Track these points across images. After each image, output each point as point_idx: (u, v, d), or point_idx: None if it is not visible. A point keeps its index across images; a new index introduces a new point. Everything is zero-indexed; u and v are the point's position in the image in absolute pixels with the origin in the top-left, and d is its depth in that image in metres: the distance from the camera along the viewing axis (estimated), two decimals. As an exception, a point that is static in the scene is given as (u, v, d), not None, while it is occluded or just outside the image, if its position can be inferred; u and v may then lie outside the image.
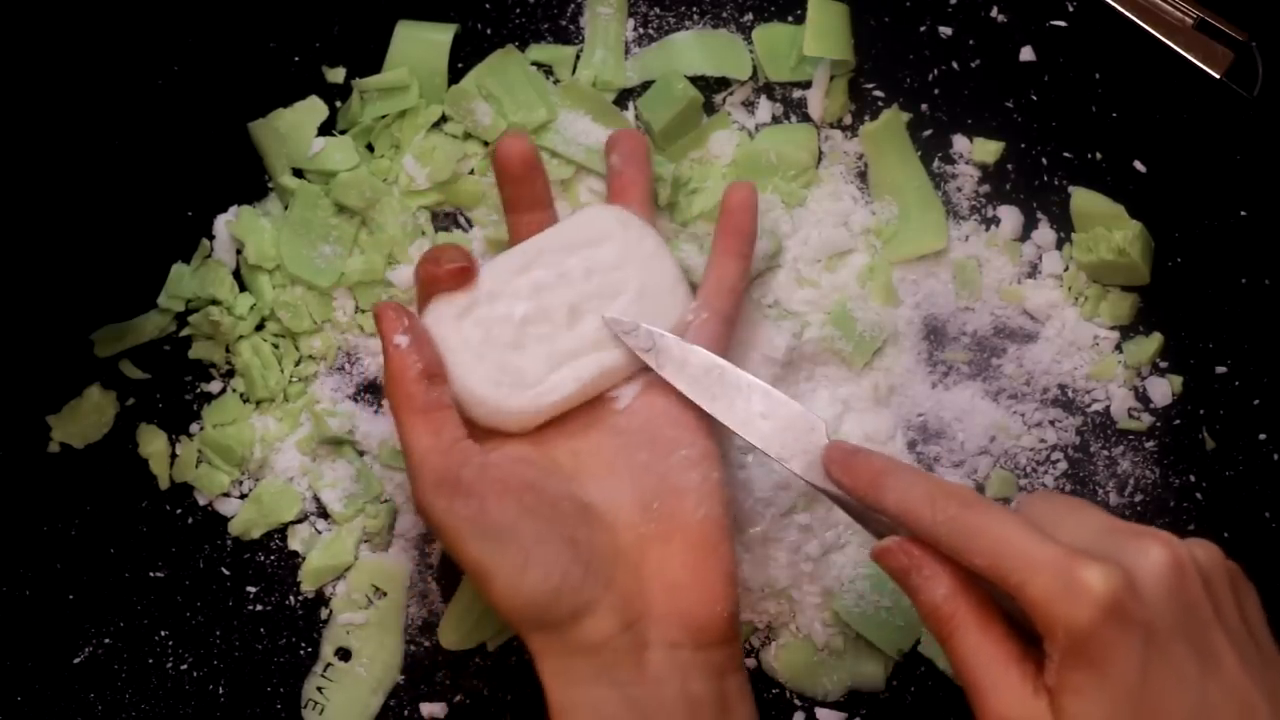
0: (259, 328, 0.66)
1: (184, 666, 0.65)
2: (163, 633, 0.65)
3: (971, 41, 0.67)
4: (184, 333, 0.65)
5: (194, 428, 0.66)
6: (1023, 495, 0.49)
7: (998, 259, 0.66)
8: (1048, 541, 0.43)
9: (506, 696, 0.65)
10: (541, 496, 0.53)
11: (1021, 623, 0.45)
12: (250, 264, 0.65)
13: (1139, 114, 0.66)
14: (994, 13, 0.67)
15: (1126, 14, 0.65)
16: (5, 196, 0.65)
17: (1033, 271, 0.66)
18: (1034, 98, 0.66)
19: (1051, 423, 0.65)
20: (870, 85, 0.67)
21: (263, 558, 0.65)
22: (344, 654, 0.65)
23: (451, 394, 0.55)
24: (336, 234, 0.65)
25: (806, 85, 0.66)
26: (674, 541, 0.55)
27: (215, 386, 0.66)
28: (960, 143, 0.66)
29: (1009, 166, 0.66)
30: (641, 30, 0.67)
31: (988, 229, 0.66)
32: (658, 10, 0.67)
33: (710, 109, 0.67)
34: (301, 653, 0.65)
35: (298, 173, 0.66)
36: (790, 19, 0.67)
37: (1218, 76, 0.64)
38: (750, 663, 0.64)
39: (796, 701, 0.64)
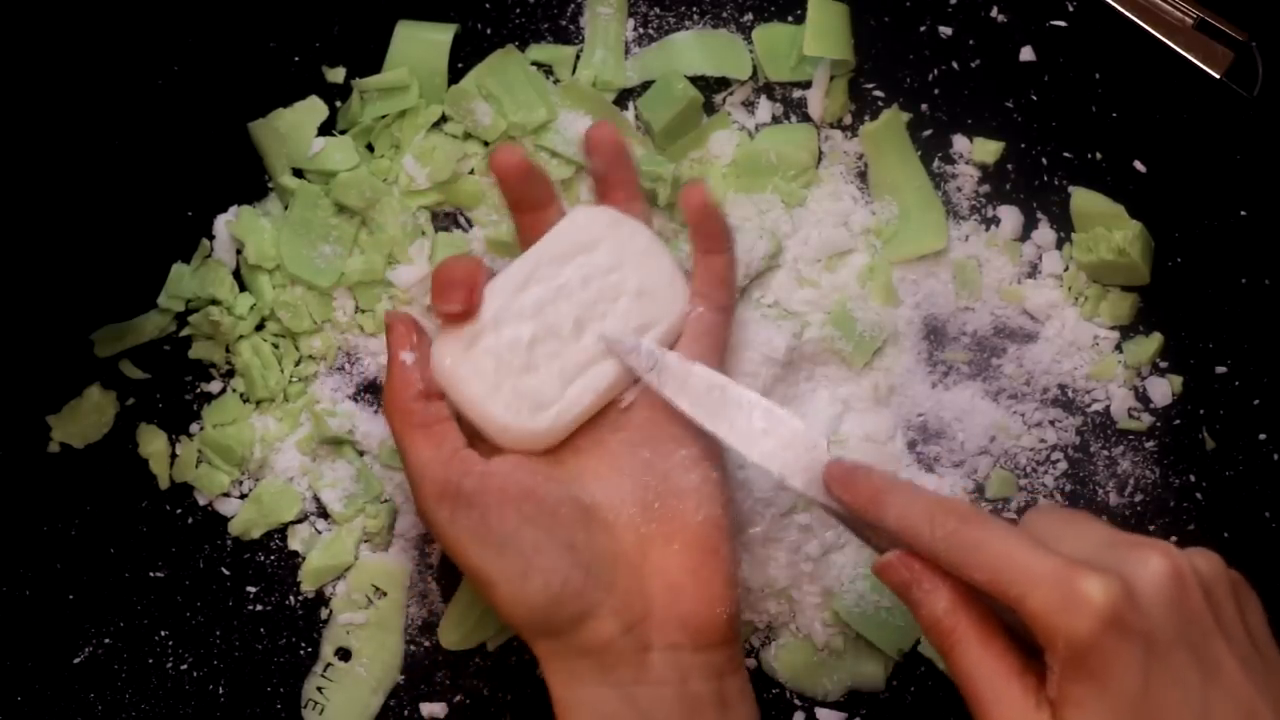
0: (259, 328, 0.66)
1: (184, 666, 0.65)
2: (163, 633, 0.65)
3: (971, 41, 0.67)
4: (184, 333, 0.65)
5: (194, 428, 0.66)
6: (1026, 512, 0.49)
7: (998, 259, 0.66)
8: (1047, 554, 0.43)
9: (506, 696, 0.65)
10: (541, 504, 0.54)
11: (1023, 636, 0.45)
12: (250, 264, 0.65)
13: (1139, 114, 0.66)
14: (994, 13, 0.67)
15: (1126, 14, 0.65)
16: (5, 196, 0.65)
17: (1033, 271, 0.66)
18: (1034, 98, 0.66)
19: (1051, 423, 0.65)
20: (870, 85, 0.67)
21: (263, 558, 0.65)
22: (344, 654, 0.65)
23: (473, 423, 0.55)
24: (336, 234, 0.65)
25: (806, 85, 0.66)
26: (675, 543, 0.55)
27: (215, 386, 0.66)
28: (960, 143, 0.66)
29: (1009, 166, 0.66)
30: (641, 30, 0.67)
31: (988, 229, 0.66)
32: (658, 10, 0.67)
33: (710, 109, 0.67)
34: (301, 653, 0.65)
35: (298, 173, 0.66)
36: (790, 19, 0.67)
37: (1218, 76, 0.64)
38: (750, 663, 0.64)
39: (796, 701, 0.64)
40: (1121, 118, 0.66)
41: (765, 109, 0.67)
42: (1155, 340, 0.65)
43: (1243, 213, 0.65)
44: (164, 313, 0.65)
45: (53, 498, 0.65)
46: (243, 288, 0.66)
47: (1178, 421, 0.65)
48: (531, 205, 0.58)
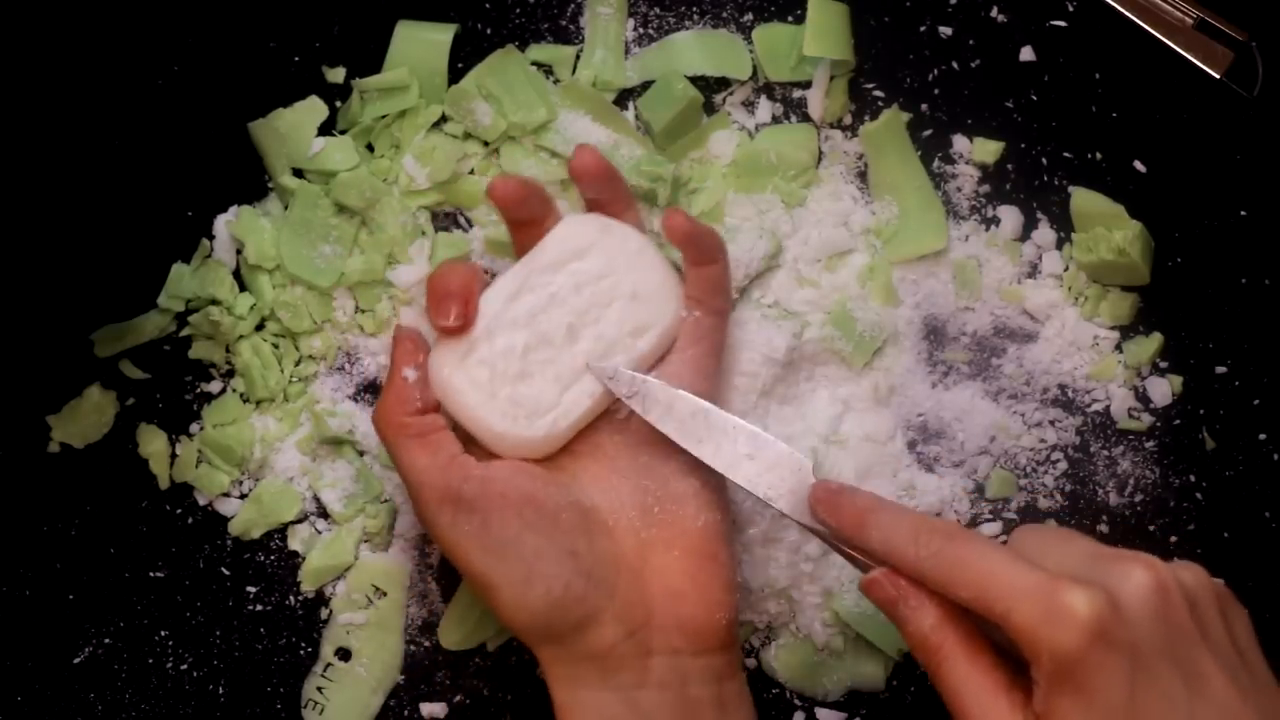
0: (259, 328, 0.66)
1: (184, 666, 0.65)
2: (163, 633, 0.65)
3: (971, 41, 0.67)
4: (184, 333, 0.65)
5: (194, 428, 0.66)
6: (1013, 531, 0.49)
7: (998, 259, 0.66)
8: (1031, 569, 0.44)
9: (506, 696, 0.65)
10: (542, 509, 0.54)
11: (1011, 653, 0.45)
12: (250, 264, 0.65)
13: (1139, 114, 0.66)
14: (994, 13, 0.66)
15: (1126, 14, 0.65)
16: (5, 196, 0.65)
17: (1033, 271, 0.66)
18: (1034, 98, 0.66)
19: (1051, 423, 0.65)
20: (870, 85, 0.67)
21: (263, 558, 0.65)
22: (344, 654, 0.65)
23: (470, 432, 0.55)
24: (336, 234, 0.65)
25: (806, 85, 0.66)
26: (675, 548, 0.55)
27: (215, 386, 0.66)
28: (960, 143, 0.66)
29: (1009, 166, 0.66)
30: (641, 30, 0.67)
31: (988, 229, 0.66)
32: (658, 10, 0.67)
33: (710, 109, 0.67)
34: (301, 653, 0.65)
35: (298, 173, 0.66)
36: (790, 19, 0.67)
37: (1218, 76, 0.64)
38: (750, 663, 0.64)
39: (796, 701, 0.64)
40: (1121, 118, 0.66)
41: (765, 109, 0.67)
42: (1155, 340, 0.65)
43: (1243, 213, 0.65)
44: (164, 313, 0.65)
45: (53, 498, 0.65)
46: (243, 288, 0.66)
47: (1178, 421, 0.65)
48: (529, 222, 0.58)
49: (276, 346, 0.66)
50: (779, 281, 0.65)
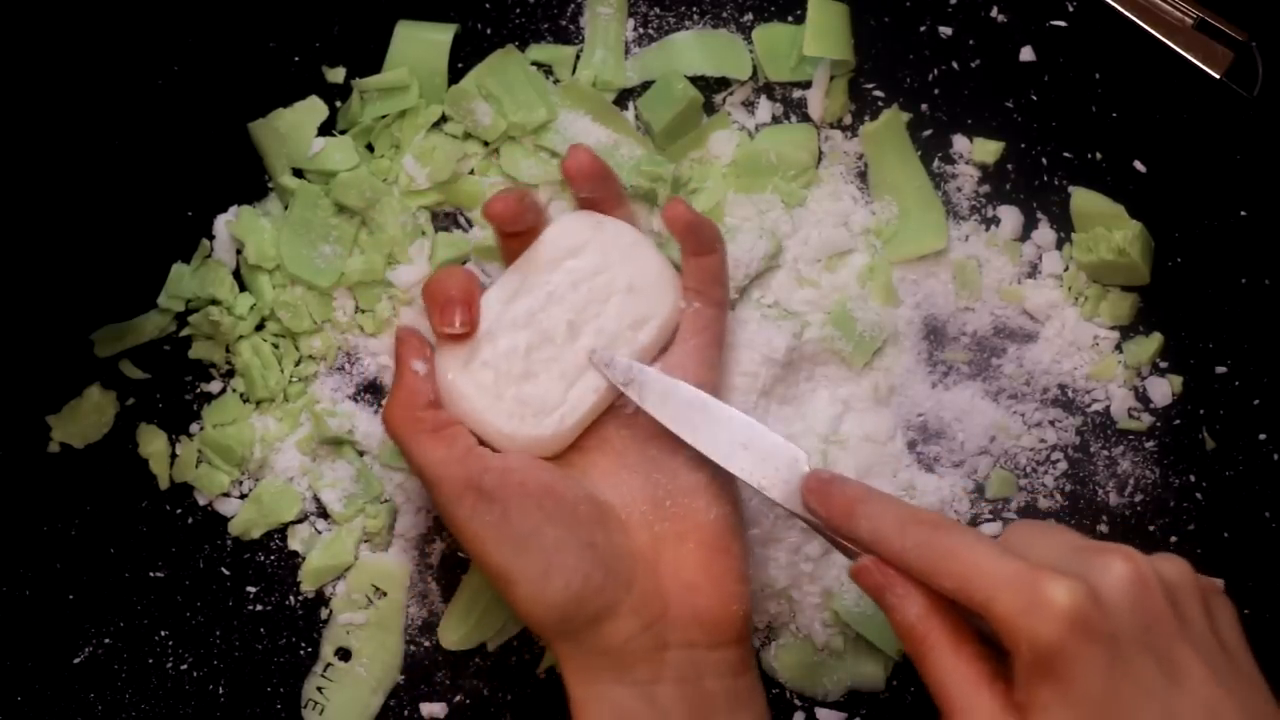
0: (259, 328, 0.66)
1: (184, 666, 0.65)
2: (163, 633, 0.65)
3: (971, 41, 0.67)
4: (184, 333, 0.65)
5: (194, 428, 0.66)
6: (1006, 527, 0.49)
7: (998, 259, 0.66)
8: (1012, 560, 0.44)
9: (506, 696, 0.65)
10: (561, 502, 0.54)
11: (996, 644, 0.45)
12: (250, 264, 0.65)
13: (1139, 114, 0.66)
14: (994, 13, 0.66)
15: (1126, 14, 0.65)
16: (5, 196, 0.65)
17: (1033, 271, 0.66)
18: (1034, 98, 0.66)
19: (1051, 423, 0.65)
20: (870, 85, 0.67)
21: (263, 558, 0.65)
22: (344, 654, 0.65)
23: (479, 435, 0.55)
24: (336, 234, 0.65)
25: (806, 85, 0.66)
26: (688, 541, 0.55)
27: (215, 386, 0.66)
28: (960, 143, 0.66)
29: (1009, 166, 0.66)
30: (641, 30, 0.67)
31: (988, 229, 0.66)
32: (658, 10, 0.67)
33: (710, 109, 0.67)
34: (301, 653, 0.65)
35: (298, 173, 0.66)
36: (790, 19, 0.67)
37: (1218, 76, 0.64)
38: (750, 663, 0.64)
39: (796, 701, 0.64)
40: (1121, 118, 0.66)
41: (765, 109, 0.67)
42: (1155, 340, 0.65)
43: (1243, 213, 0.65)
44: (164, 313, 0.65)
45: (53, 498, 0.65)
46: (243, 288, 0.66)
47: (1178, 421, 0.65)
48: (523, 233, 0.58)
49: (276, 346, 0.66)
50: (779, 281, 0.65)
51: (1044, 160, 0.66)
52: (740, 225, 0.65)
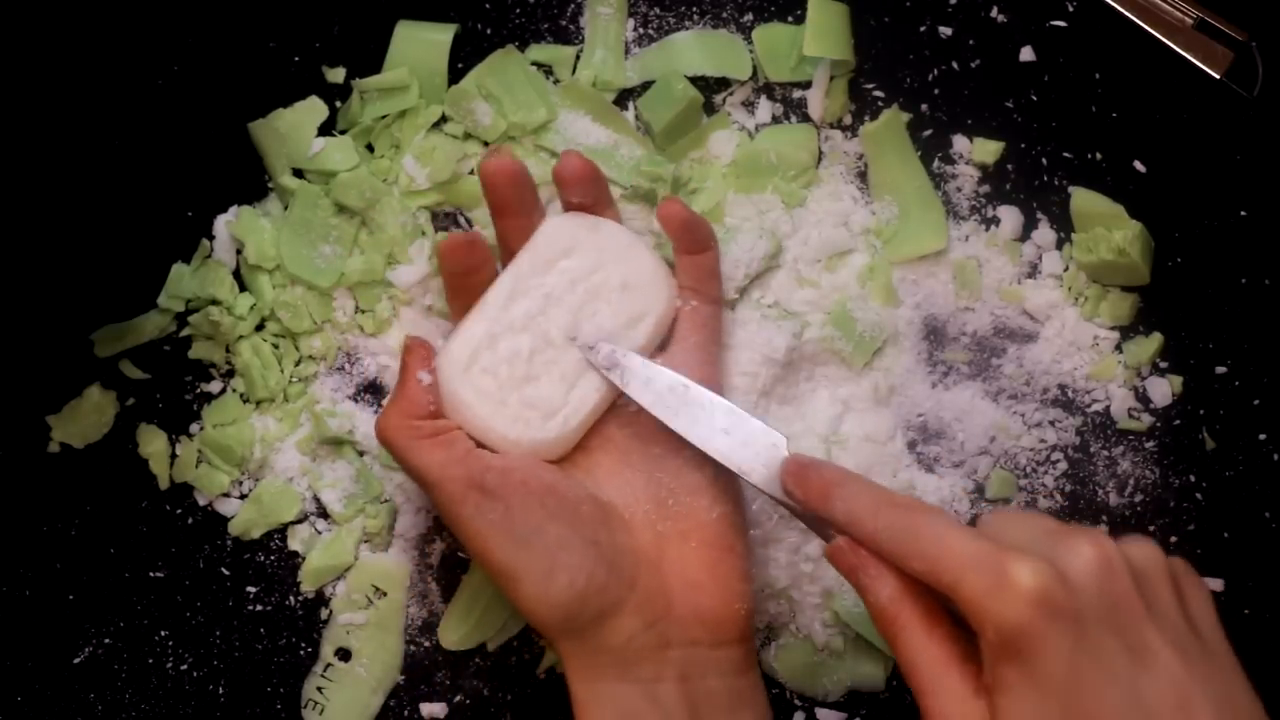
0: (259, 328, 0.66)
1: (184, 666, 0.65)
2: (163, 633, 0.65)
3: (971, 41, 0.67)
4: (184, 333, 0.65)
5: (194, 428, 0.66)
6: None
7: (998, 259, 0.66)
8: (980, 541, 0.44)
9: (506, 696, 0.65)
10: (563, 500, 0.54)
11: (968, 626, 0.45)
12: (250, 264, 0.65)
13: (1139, 114, 0.66)
14: (994, 13, 0.66)
15: (1126, 14, 0.65)
16: (5, 196, 0.65)
17: (1033, 271, 0.66)
18: (1034, 98, 0.66)
19: (1051, 423, 0.65)
20: (870, 85, 0.67)
21: (263, 558, 0.65)
22: (344, 654, 0.65)
23: (482, 442, 0.55)
24: (336, 234, 0.65)
25: (806, 85, 0.66)
26: (691, 540, 0.55)
27: (215, 386, 0.66)
28: (960, 143, 0.66)
29: (1009, 166, 0.66)
30: (641, 30, 0.67)
31: (988, 229, 0.66)
32: (658, 10, 0.67)
33: (710, 109, 0.67)
34: (301, 653, 0.65)
35: (298, 173, 0.66)
36: (790, 19, 0.67)
37: (1218, 76, 0.64)
38: (750, 663, 0.64)
39: (796, 701, 0.64)
40: (1121, 118, 0.66)
41: (765, 109, 0.67)
42: (1155, 340, 0.65)
43: (1243, 213, 0.65)
44: (164, 313, 0.65)
45: (53, 498, 0.65)
46: (243, 288, 0.66)
47: (1178, 421, 0.65)
48: (515, 210, 0.58)
49: (276, 346, 0.66)
50: (779, 281, 0.65)
51: (1044, 160, 0.66)
52: (740, 225, 0.65)
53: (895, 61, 0.67)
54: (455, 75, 0.66)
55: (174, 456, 0.65)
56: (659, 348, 0.58)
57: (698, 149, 0.66)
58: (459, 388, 0.55)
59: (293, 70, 0.66)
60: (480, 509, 0.53)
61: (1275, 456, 0.65)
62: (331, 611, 0.65)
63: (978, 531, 0.45)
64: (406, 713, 0.65)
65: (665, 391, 0.55)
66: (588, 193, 0.58)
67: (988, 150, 0.66)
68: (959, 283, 0.66)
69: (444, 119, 0.66)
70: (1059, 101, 0.66)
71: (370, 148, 0.66)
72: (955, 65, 0.67)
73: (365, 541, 0.65)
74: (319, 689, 0.64)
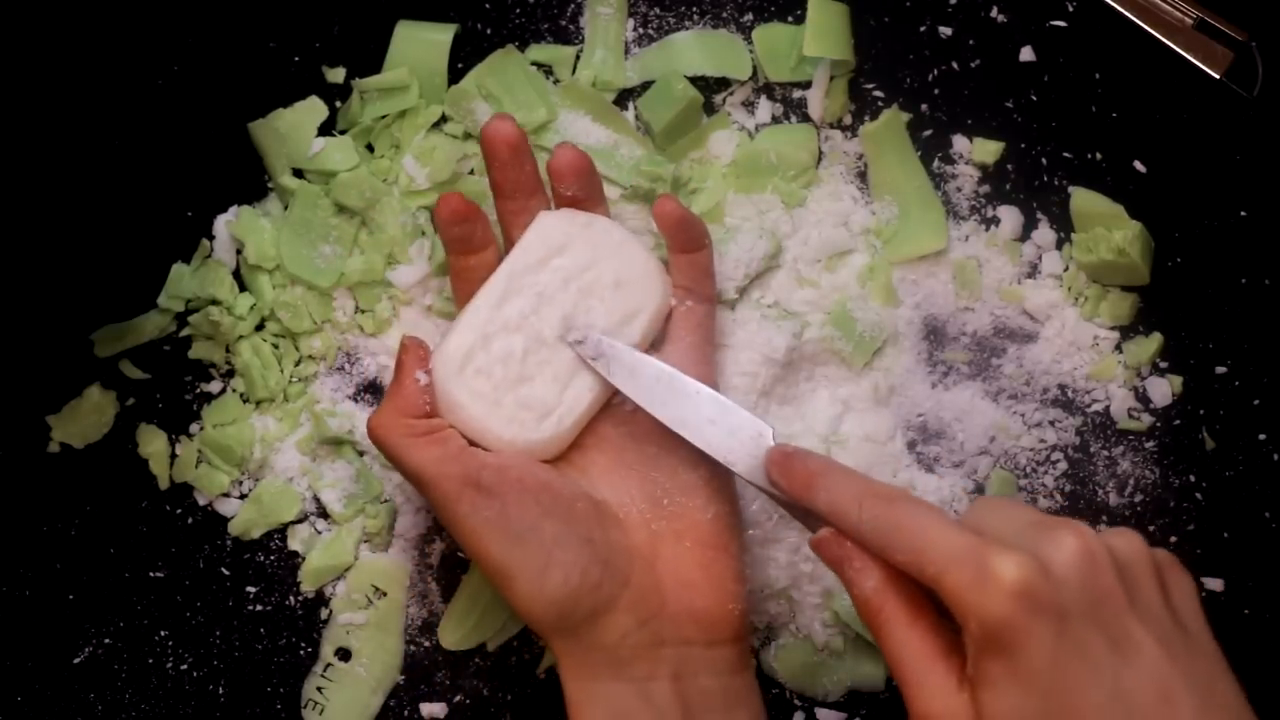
0: (259, 328, 0.66)
1: (184, 666, 0.65)
2: (163, 633, 0.65)
3: (971, 41, 0.67)
4: (184, 333, 0.65)
5: (194, 428, 0.66)
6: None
7: (998, 259, 0.66)
8: (964, 534, 0.44)
9: (506, 696, 0.65)
10: (558, 497, 0.54)
11: (952, 618, 0.46)
12: (250, 264, 0.65)
13: (1139, 114, 0.66)
14: (994, 13, 0.66)
15: (1126, 14, 0.65)
16: (5, 196, 0.65)
17: (1033, 271, 0.66)
18: (1034, 98, 0.66)
19: (1051, 423, 0.65)
20: (870, 85, 0.67)
21: (263, 558, 0.65)
22: (344, 654, 0.65)
23: (478, 443, 0.55)
24: (336, 234, 0.65)
25: (806, 85, 0.66)
26: (686, 539, 0.55)
27: (215, 386, 0.66)
28: (960, 143, 0.66)
29: (1009, 166, 0.66)
30: (641, 30, 0.67)
31: (988, 229, 0.66)
32: (658, 10, 0.67)
33: (710, 109, 0.67)
34: (301, 653, 0.65)
35: (298, 173, 0.66)
36: (790, 19, 0.67)
37: (1218, 76, 0.64)
38: (750, 663, 0.64)
39: (796, 701, 0.64)
40: (1121, 118, 0.66)
41: (765, 109, 0.67)
42: (1155, 340, 0.65)
43: (1243, 213, 0.65)
44: (164, 313, 0.65)
45: (53, 498, 0.65)
46: (243, 288, 0.66)
47: (1178, 421, 0.65)
48: (514, 189, 0.58)
49: (276, 346, 0.66)
50: (779, 281, 0.65)
51: (1044, 160, 0.66)
52: (740, 225, 0.65)
53: (895, 61, 0.67)
54: (455, 75, 0.66)
55: (174, 456, 0.65)
56: (653, 347, 0.58)
57: (698, 149, 0.66)
58: (453, 389, 0.55)
59: (293, 70, 0.66)
60: (476, 506, 0.53)
61: (1275, 456, 0.65)
62: (331, 611, 0.65)
63: (961, 523, 0.45)
64: (406, 713, 0.65)
65: (652, 381, 0.55)
66: (582, 186, 0.58)
67: (988, 150, 0.66)
68: (959, 283, 0.66)
69: (444, 119, 0.66)
70: (1059, 101, 0.66)
71: (370, 148, 0.66)
72: (955, 65, 0.67)
73: (365, 541, 0.65)
74: (319, 689, 0.64)
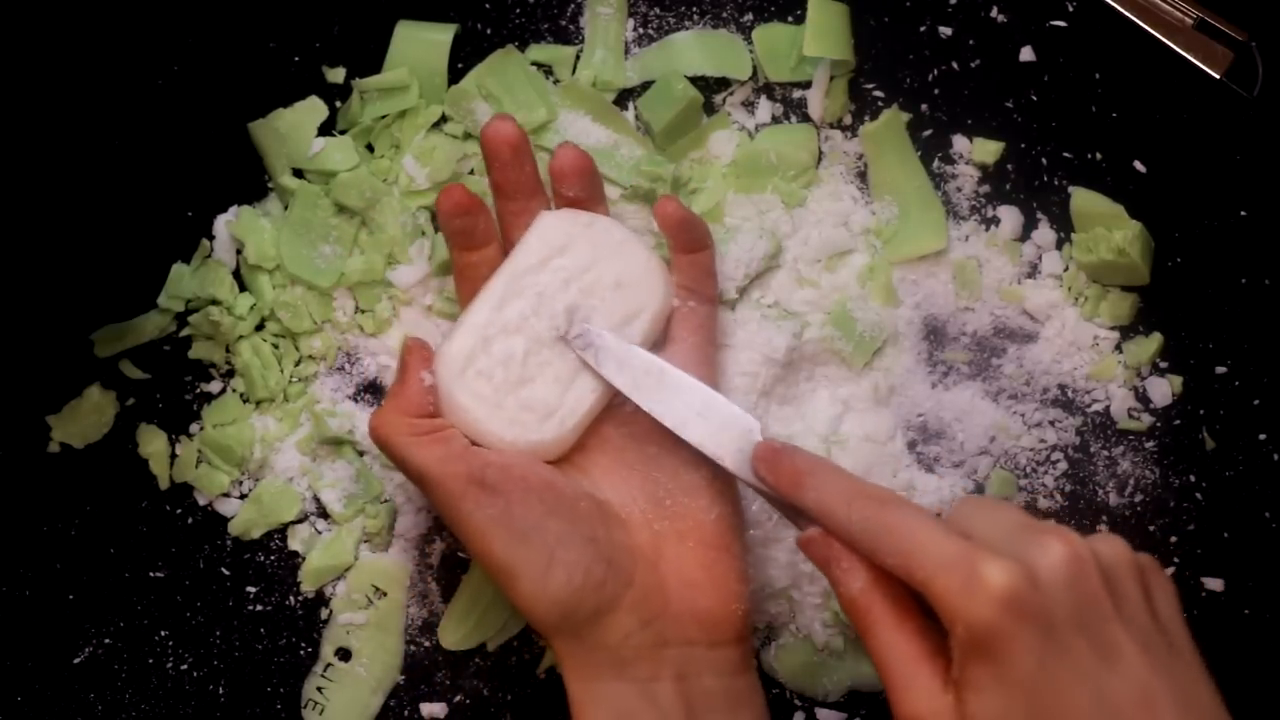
0: (259, 328, 0.66)
1: (184, 666, 0.65)
2: (163, 633, 0.65)
3: (971, 41, 0.67)
4: (184, 333, 0.65)
5: (194, 428, 0.66)
6: (955, 502, 0.50)
7: (998, 259, 0.66)
8: (953, 539, 0.44)
9: (506, 696, 0.65)
10: (561, 496, 0.54)
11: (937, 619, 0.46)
12: (250, 264, 0.65)
13: (1139, 114, 0.66)
14: (994, 13, 0.66)
15: (1126, 14, 0.65)
16: (5, 196, 0.65)
17: (1033, 271, 0.66)
18: (1034, 98, 0.66)
19: (1051, 423, 0.65)
20: (870, 85, 0.67)
21: (263, 558, 0.65)
22: (344, 654, 0.65)
23: (480, 445, 0.55)
24: (336, 234, 0.65)
25: (806, 85, 0.66)
26: (689, 540, 0.55)
27: (215, 386, 0.66)
28: (960, 143, 0.66)
29: (1009, 166, 0.66)
30: (641, 30, 0.67)
31: (988, 229, 0.66)
32: (658, 10, 0.67)
33: (710, 109, 0.67)
34: (301, 653, 0.65)
35: (298, 173, 0.66)
36: (790, 19, 0.67)
37: (1218, 76, 0.64)
38: (750, 663, 0.64)
39: (796, 701, 0.64)
40: (1121, 118, 0.66)
41: (765, 109, 0.67)
42: (1155, 340, 0.65)
43: (1243, 213, 0.65)
44: (164, 313, 0.65)
45: (53, 498, 0.65)
46: (243, 288, 0.66)
47: (1178, 421, 0.65)
48: (514, 190, 0.58)
49: (276, 346, 0.66)
50: (779, 281, 0.65)
51: (1044, 160, 0.66)
52: (740, 225, 0.65)
53: (895, 61, 0.67)
54: (455, 75, 0.66)
55: (174, 456, 0.65)
56: (655, 347, 0.58)
57: (698, 149, 0.66)
58: (455, 391, 0.55)
59: (293, 70, 0.66)
60: (480, 504, 0.53)
61: (1275, 456, 0.65)
62: (331, 611, 0.65)
63: (949, 527, 0.46)
64: (406, 713, 0.65)
65: (640, 374, 0.55)
66: (584, 187, 0.58)
67: (988, 150, 0.66)
68: (959, 283, 0.66)
69: (444, 119, 0.66)
70: (1059, 101, 0.66)
71: (370, 148, 0.66)
72: (955, 65, 0.67)
73: (365, 541, 0.65)
74: (319, 689, 0.64)
